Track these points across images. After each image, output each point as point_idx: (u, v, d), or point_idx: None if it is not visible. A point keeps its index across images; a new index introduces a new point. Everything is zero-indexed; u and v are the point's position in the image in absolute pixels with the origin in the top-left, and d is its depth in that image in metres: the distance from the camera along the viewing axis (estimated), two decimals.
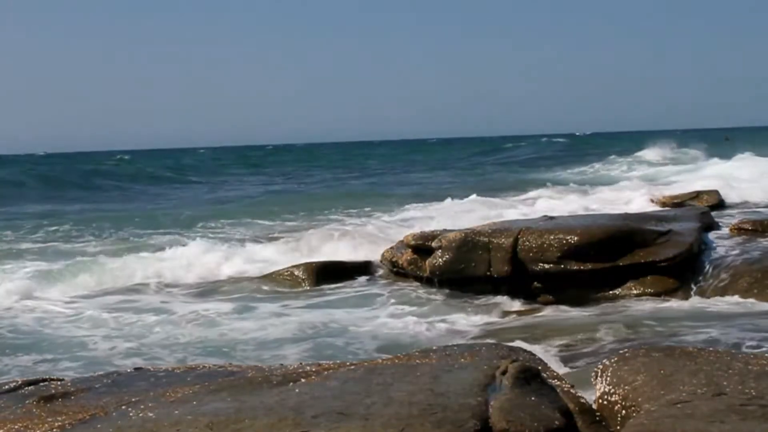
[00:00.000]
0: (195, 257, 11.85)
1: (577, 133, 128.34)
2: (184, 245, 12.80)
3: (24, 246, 14.98)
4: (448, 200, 18.55)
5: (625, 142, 58.34)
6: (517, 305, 8.79)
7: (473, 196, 18.65)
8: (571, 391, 4.07)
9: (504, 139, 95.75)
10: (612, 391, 3.80)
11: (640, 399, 3.60)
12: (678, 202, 14.99)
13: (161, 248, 12.93)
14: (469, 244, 9.23)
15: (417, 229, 11.09)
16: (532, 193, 19.84)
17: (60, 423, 3.73)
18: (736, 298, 8.27)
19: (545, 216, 11.33)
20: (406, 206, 18.75)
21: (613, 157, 36.92)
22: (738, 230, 10.41)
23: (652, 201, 15.75)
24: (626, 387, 3.76)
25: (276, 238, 14.13)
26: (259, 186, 35.08)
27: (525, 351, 4.99)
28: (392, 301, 9.26)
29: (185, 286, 10.81)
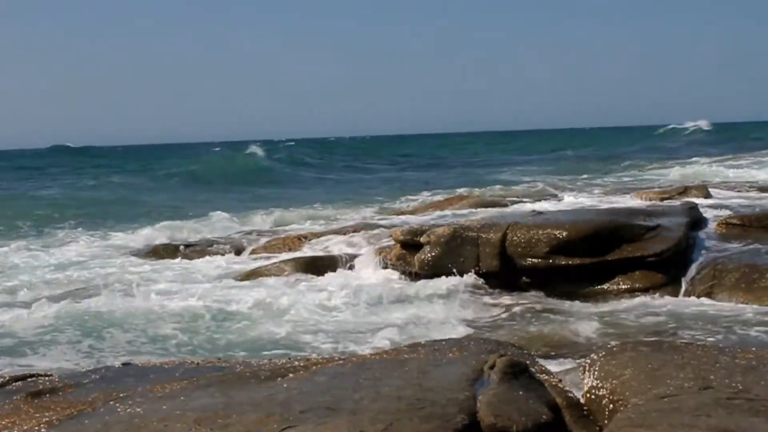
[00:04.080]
0: None
1: (586, 128, 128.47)
2: None
3: None
4: None
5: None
6: (505, 300, 8.80)
7: None
8: (559, 385, 4.08)
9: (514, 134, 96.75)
10: (600, 385, 3.81)
11: (627, 393, 3.61)
12: (666, 197, 15.00)
13: None
14: (458, 239, 9.24)
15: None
16: None
17: (47, 419, 3.72)
18: (723, 293, 8.30)
19: (534, 211, 11.35)
20: None
21: None
22: (726, 225, 10.43)
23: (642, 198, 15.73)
24: (614, 381, 3.77)
25: None
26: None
27: (513, 346, 5.01)
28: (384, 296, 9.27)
29: None
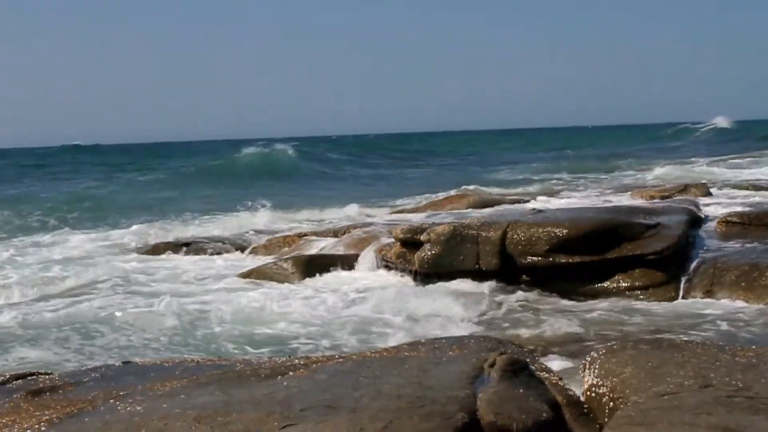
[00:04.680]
0: None
1: (589, 126, 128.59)
2: None
3: None
4: None
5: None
6: (505, 298, 8.79)
7: None
8: (559, 383, 4.08)
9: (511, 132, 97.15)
10: (600, 383, 3.81)
11: (627, 391, 3.61)
12: (666, 196, 15.02)
13: None
14: (458, 237, 9.24)
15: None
16: None
17: (48, 417, 3.72)
18: (723, 291, 8.30)
19: (534, 209, 11.36)
20: None
21: None
22: (726, 223, 10.43)
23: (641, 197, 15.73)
24: (614, 379, 3.77)
25: None
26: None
27: (513, 344, 5.01)
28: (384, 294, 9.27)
29: None
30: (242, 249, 13.02)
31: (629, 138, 65.23)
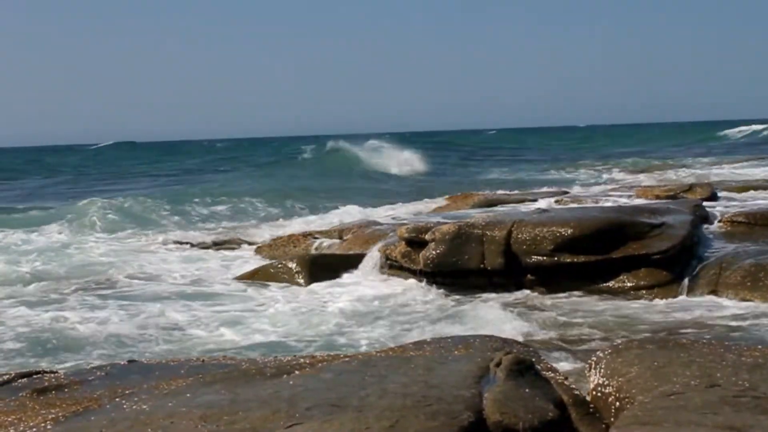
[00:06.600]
0: None
1: (581, 125, 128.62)
2: None
3: None
4: None
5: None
6: (510, 297, 8.79)
7: None
8: (565, 383, 4.08)
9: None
10: (606, 383, 3.81)
11: (633, 391, 3.60)
12: (672, 195, 14.98)
13: None
14: (463, 236, 9.22)
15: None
16: None
17: (54, 415, 3.72)
18: (728, 290, 8.29)
19: (539, 209, 11.35)
20: None
21: None
22: (731, 223, 10.42)
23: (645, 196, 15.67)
24: (620, 379, 3.76)
25: None
26: None
27: (518, 343, 5.01)
28: (385, 293, 9.28)
29: None
30: (250, 248, 13.11)
31: (653, 139, 64.73)
